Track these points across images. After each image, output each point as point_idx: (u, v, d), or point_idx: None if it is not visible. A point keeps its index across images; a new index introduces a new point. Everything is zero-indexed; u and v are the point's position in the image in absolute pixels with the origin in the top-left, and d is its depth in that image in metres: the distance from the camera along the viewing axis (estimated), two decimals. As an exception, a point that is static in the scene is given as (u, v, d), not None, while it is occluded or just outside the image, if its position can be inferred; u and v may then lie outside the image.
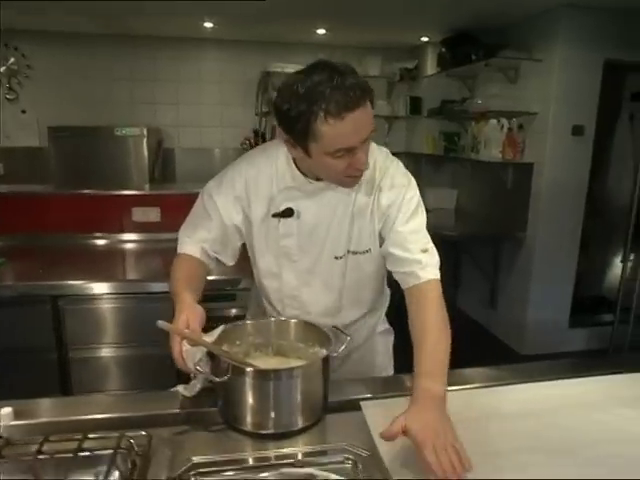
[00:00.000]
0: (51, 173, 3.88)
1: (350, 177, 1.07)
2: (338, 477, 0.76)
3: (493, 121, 3.51)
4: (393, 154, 1.24)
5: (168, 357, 0.99)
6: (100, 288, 2.05)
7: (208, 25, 4.01)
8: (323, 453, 0.94)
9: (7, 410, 1.00)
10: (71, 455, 0.88)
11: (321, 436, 1.01)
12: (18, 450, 0.90)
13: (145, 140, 3.97)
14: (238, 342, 1.14)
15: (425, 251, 1.14)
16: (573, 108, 3.33)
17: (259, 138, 4.39)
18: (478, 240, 4.10)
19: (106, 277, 2.11)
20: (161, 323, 0.94)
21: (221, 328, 1.08)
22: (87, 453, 0.90)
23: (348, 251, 1.20)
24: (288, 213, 1.17)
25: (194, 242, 1.23)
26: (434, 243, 1.18)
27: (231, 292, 2.09)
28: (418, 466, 0.84)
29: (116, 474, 0.89)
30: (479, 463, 0.85)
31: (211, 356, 1.03)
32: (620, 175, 3.84)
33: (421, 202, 1.19)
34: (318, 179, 1.14)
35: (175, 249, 1.25)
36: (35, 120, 4.31)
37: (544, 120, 3.38)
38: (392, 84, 4.79)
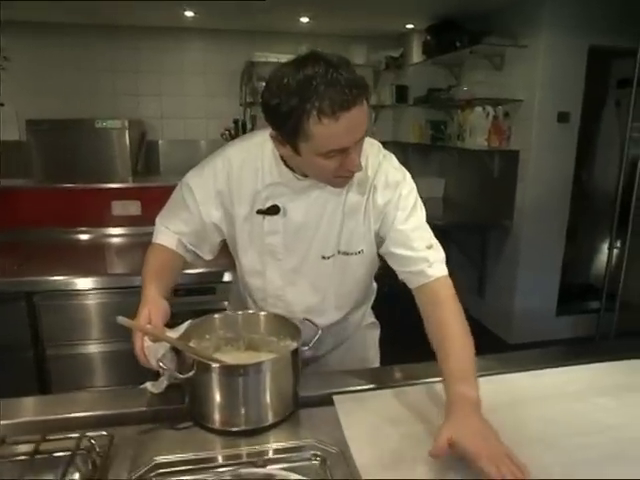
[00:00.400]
0: (32, 167, 3.80)
1: (341, 177, 1.01)
2: (298, 477, 0.73)
3: (479, 109, 3.48)
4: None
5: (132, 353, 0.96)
6: (77, 283, 2.01)
7: (189, 14, 3.93)
8: (290, 450, 0.90)
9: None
10: (28, 458, 0.85)
11: (292, 432, 0.97)
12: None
13: (127, 132, 3.88)
14: (207, 336, 1.11)
15: (430, 247, 1.09)
16: (558, 95, 3.31)
17: (239, 128, 4.32)
18: (466, 229, 4.08)
19: (84, 272, 2.06)
20: (121, 319, 0.90)
21: (188, 323, 1.05)
22: (45, 455, 0.86)
23: (338, 251, 1.15)
24: (273, 211, 1.10)
25: (171, 233, 1.18)
26: None
27: (211, 285, 2.05)
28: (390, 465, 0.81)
29: (76, 476, 0.86)
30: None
31: (177, 352, 0.99)
32: (606, 162, 3.83)
33: (418, 196, 1.15)
34: (306, 175, 1.07)
35: None
36: (14, 113, 4.21)
37: (530, 107, 3.35)
38: (378, 73, 4.73)
